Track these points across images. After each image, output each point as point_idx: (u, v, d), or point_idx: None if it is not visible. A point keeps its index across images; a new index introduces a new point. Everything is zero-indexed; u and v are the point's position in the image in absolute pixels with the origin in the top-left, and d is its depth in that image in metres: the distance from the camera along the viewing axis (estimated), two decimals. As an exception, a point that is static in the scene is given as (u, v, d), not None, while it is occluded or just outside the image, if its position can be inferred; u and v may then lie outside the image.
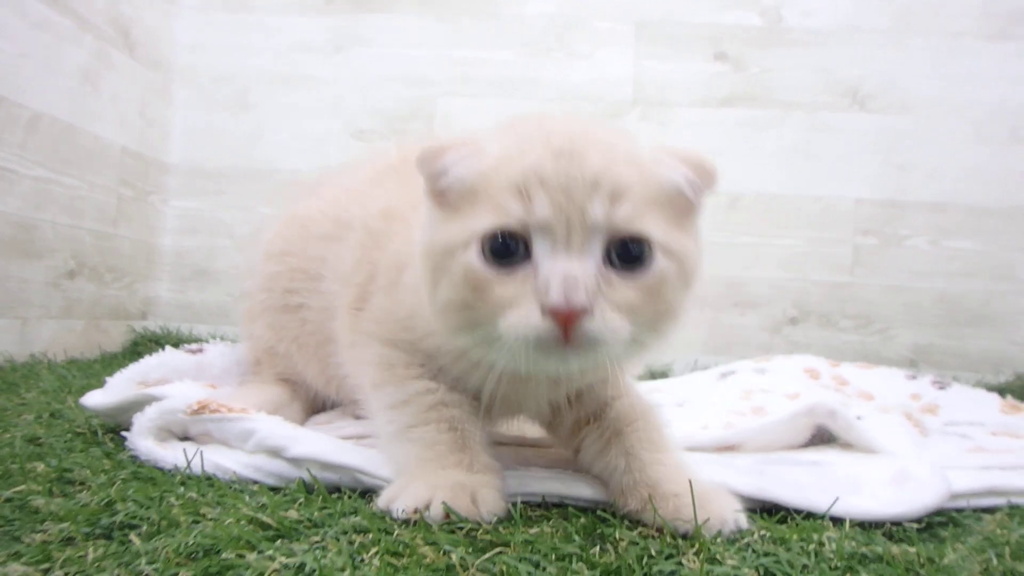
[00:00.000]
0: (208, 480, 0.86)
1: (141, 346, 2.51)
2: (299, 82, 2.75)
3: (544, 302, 0.70)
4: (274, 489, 0.86)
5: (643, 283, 0.75)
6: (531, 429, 1.11)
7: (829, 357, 1.99)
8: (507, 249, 0.73)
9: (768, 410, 1.59)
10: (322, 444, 0.91)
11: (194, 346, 1.32)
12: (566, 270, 0.71)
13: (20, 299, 2.01)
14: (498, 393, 0.85)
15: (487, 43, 2.72)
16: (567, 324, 0.70)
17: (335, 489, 0.87)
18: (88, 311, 2.31)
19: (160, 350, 1.25)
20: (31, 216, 2.03)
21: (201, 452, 0.89)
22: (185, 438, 1.01)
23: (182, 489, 0.81)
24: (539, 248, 0.73)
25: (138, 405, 1.07)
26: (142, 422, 0.97)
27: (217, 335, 2.61)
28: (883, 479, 0.94)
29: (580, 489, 0.87)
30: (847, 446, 1.18)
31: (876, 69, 2.61)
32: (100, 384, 1.72)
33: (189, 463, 0.87)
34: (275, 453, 0.90)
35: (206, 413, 0.96)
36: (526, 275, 0.73)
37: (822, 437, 1.22)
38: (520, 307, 0.72)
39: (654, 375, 2.17)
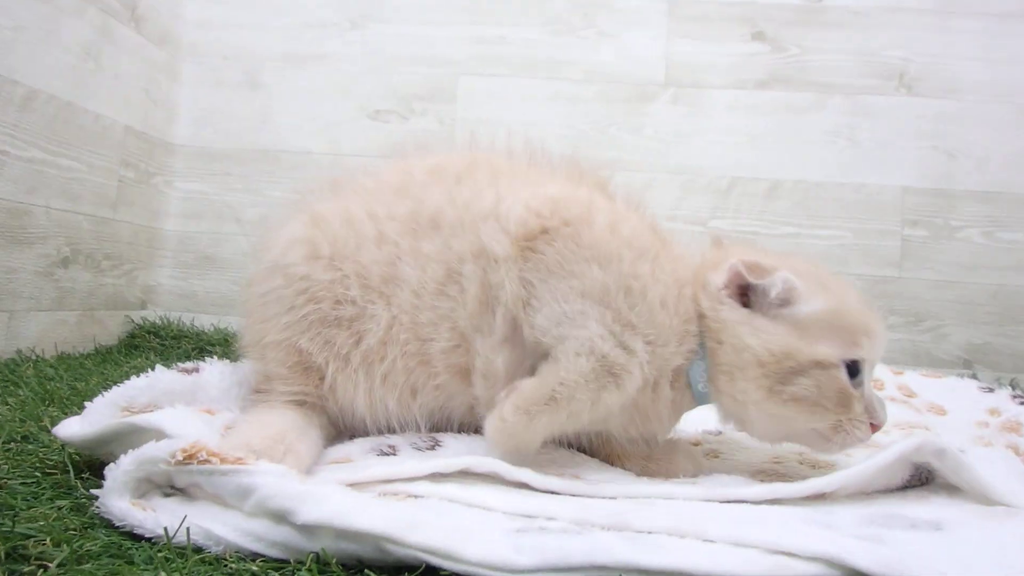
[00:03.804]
0: (198, 556, 0.68)
1: (139, 338, 2.35)
2: (312, 60, 2.58)
3: (874, 419, 1.01)
4: (281, 562, 0.69)
5: None
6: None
7: (877, 357, 1.82)
8: (852, 373, 0.99)
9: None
10: (338, 501, 0.72)
11: (189, 365, 1.12)
12: (879, 397, 1.03)
13: (8, 290, 1.84)
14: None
15: (510, 20, 2.54)
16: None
17: (356, 563, 0.69)
18: (82, 301, 2.14)
19: (149, 369, 1.05)
20: (23, 201, 1.86)
21: (187, 525, 0.69)
22: (173, 486, 0.82)
23: (163, 575, 0.63)
24: (866, 376, 1.01)
25: (120, 436, 0.90)
26: (116, 476, 0.76)
27: (221, 326, 2.46)
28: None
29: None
30: (952, 488, 1.01)
31: (921, 51, 2.44)
32: (89, 387, 1.58)
33: (171, 537, 0.69)
34: (281, 517, 0.71)
35: (194, 464, 0.76)
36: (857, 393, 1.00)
37: (920, 476, 1.04)
38: (858, 417, 1.00)
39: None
